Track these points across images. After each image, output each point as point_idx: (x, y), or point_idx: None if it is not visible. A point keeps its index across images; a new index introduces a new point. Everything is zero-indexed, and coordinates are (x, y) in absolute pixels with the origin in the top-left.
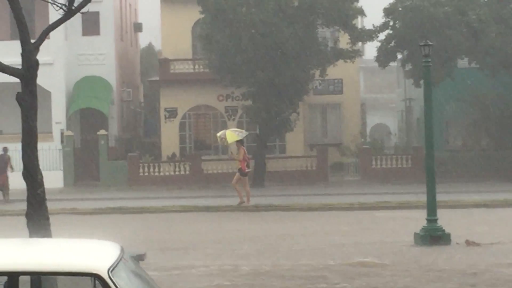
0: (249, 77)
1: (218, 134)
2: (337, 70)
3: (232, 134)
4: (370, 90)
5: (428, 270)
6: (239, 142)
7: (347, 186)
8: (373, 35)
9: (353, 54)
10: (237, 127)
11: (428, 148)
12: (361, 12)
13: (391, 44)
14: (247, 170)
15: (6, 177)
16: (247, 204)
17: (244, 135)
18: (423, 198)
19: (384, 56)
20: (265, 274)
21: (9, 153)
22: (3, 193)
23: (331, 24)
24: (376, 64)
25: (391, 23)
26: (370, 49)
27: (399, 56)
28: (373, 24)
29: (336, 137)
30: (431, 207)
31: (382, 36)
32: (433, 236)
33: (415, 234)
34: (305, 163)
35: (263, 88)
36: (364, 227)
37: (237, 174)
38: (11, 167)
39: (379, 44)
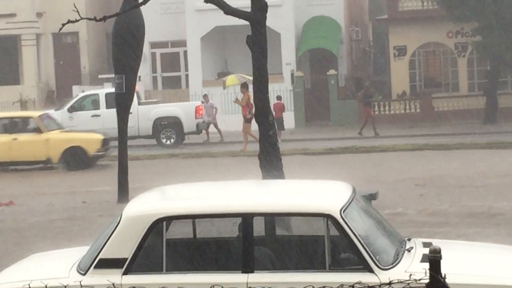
0: (479, 12)
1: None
2: None
3: (233, 78)
4: None
5: None
6: (244, 88)
7: None
8: None
9: None
10: (467, 64)
11: None
12: None
13: None
14: (248, 117)
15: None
16: (244, 150)
17: (244, 80)
18: None
19: None
20: None
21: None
22: None
23: None
24: None
25: None
26: None
27: None
28: None
29: None
30: None
31: None
32: None
33: None
34: None
35: (493, 23)
36: None
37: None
38: None
39: None
